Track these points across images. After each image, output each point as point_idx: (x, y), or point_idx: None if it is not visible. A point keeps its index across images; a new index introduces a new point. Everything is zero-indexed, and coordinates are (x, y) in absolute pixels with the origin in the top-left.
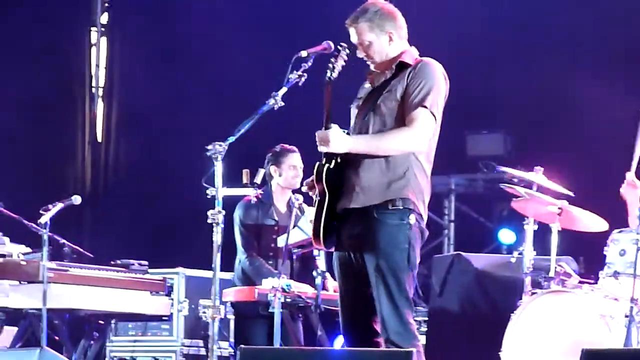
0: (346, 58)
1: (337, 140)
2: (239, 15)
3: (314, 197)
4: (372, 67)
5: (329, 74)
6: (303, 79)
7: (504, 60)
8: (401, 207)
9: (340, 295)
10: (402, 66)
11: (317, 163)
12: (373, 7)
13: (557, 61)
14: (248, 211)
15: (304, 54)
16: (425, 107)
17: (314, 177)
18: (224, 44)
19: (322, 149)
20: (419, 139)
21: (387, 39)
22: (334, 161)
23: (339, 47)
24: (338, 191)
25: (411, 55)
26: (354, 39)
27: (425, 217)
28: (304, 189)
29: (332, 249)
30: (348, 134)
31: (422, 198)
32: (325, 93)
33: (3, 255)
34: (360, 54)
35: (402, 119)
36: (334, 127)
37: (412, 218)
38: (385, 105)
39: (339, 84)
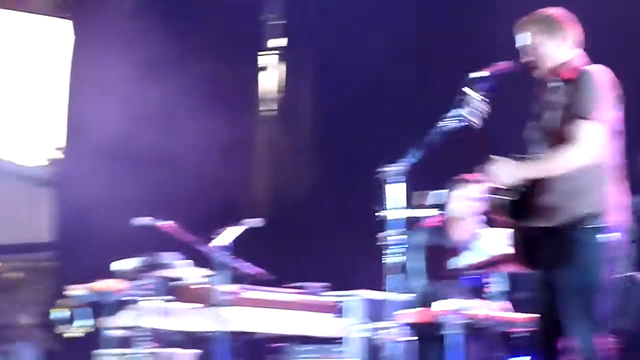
0: (479, 94)
1: (505, 174)
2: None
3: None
4: (535, 73)
5: (466, 122)
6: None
7: None
8: (591, 226)
9: (537, 313)
10: (565, 78)
11: (493, 197)
12: (544, 12)
13: None
14: (424, 234)
15: (484, 73)
16: (588, 119)
17: (492, 210)
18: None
19: (493, 184)
20: (585, 154)
21: (554, 45)
22: (511, 191)
23: (464, 90)
24: (523, 214)
25: (576, 64)
26: (520, 42)
27: (622, 230)
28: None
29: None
30: (519, 158)
31: (615, 211)
32: (475, 137)
33: (181, 279)
34: (525, 58)
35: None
36: (500, 161)
37: (604, 236)
38: (554, 121)
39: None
